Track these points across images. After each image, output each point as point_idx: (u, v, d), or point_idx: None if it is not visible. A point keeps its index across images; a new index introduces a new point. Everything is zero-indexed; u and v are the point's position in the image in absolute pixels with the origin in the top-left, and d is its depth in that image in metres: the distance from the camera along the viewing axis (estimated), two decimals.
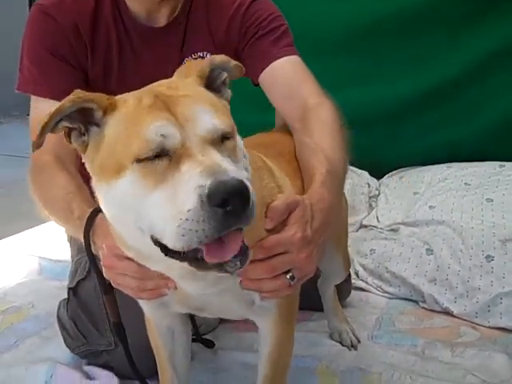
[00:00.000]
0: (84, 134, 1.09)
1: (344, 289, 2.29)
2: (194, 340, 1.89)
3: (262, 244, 1.16)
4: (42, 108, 1.64)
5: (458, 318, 2.21)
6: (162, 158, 0.98)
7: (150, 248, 1.04)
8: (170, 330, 1.48)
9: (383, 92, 3.18)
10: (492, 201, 2.50)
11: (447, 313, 2.24)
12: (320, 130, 1.56)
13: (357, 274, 2.53)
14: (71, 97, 1.06)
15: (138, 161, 0.98)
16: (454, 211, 2.52)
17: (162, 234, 0.99)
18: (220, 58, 1.19)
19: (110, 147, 1.04)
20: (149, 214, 0.99)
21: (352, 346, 2.00)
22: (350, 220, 2.85)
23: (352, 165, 3.13)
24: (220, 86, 1.19)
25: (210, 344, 1.89)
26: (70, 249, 2.12)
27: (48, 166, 1.58)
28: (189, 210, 0.92)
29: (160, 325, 1.47)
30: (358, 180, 3.12)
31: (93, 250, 1.37)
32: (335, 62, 3.13)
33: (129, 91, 1.12)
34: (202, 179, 0.92)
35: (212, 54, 1.79)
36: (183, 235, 0.94)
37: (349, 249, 2.52)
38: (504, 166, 2.84)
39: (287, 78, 1.75)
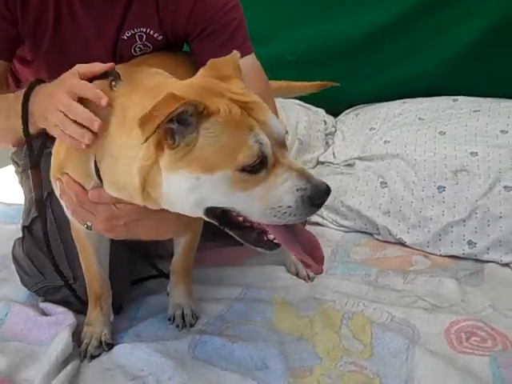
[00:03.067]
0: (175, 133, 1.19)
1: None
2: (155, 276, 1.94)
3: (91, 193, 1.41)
4: None
5: (410, 247, 2.27)
6: (261, 165, 1.17)
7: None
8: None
9: (338, 29, 3.12)
10: (445, 134, 2.52)
11: (400, 243, 2.30)
12: None
13: None
14: (181, 101, 1.13)
15: (241, 169, 1.15)
16: (407, 145, 2.54)
17: (250, 216, 1.22)
18: (238, 53, 1.39)
19: (207, 151, 1.17)
20: (237, 204, 1.20)
21: (308, 278, 2.04)
22: (307, 157, 2.89)
23: (308, 102, 3.15)
24: None
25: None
26: (22, 190, 2.10)
27: None
28: (289, 207, 1.16)
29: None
30: (314, 118, 3.12)
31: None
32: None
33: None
34: (301, 183, 1.17)
35: (156, 34, 1.77)
36: (276, 219, 1.19)
37: None
38: (457, 100, 2.86)
39: None
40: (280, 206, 1.16)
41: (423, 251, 2.24)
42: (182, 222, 1.46)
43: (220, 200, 1.20)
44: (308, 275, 2.04)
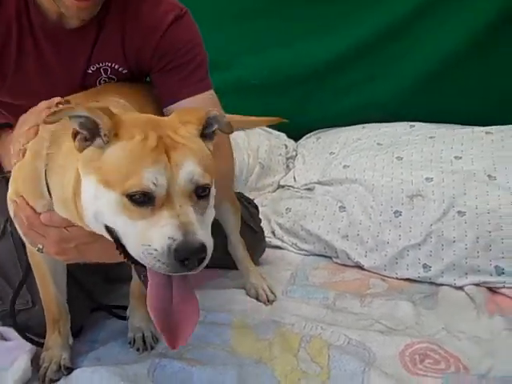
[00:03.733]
0: (88, 140, 1.23)
1: (257, 246, 2.36)
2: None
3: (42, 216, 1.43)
4: None
5: (368, 271, 2.32)
6: (148, 200, 1.15)
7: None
8: None
9: (299, 55, 3.20)
10: (402, 159, 2.59)
11: (358, 266, 2.34)
12: None
13: (273, 232, 2.59)
14: (86, 105, 1.24)
15: (127, 196, 1.15)
16: (366, 170, 2.60)
17: (126, 245, 1.22)
18: (215, 112, 1.34)
19: (108, 166, 1.20)
20: (120, 229, 1.20)
21: (268, 301, 2.07)
22: (268, 181, 2.94)
23: (270, 127, 3.20)
24: (210, 134, 1.33)
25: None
26: None
27: None
28: (156, 250, 1.13)
29: None
30: (275, 142, 3.18)
31: None
32: (254, 25, 3.15)
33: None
34: (176, 233, 1.12)
35: (121, 68, 1.79)
36: (144, 257, 1.16)
37: (265, 208, 2.62)
38: (414, 126, 2.95)
39: None
40: (149, 246, 1.14)
41: (380, 274, 2.29)
42: None
43: (110, 219, 1.21)
44: (268, 298, 2.07)
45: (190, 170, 1.18)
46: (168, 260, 1.12)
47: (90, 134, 1.22)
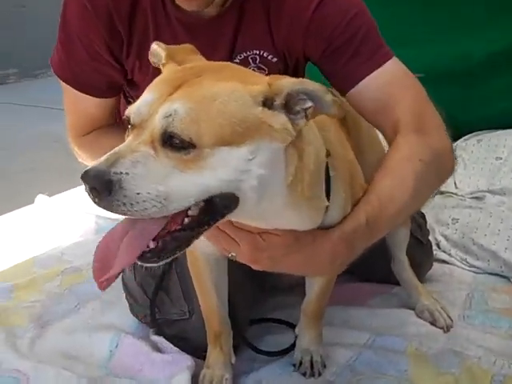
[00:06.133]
0: None
1: (424, 261, 2.11)
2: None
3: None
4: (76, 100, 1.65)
5: None
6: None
7: None
8: (215, 262, 1.48)
9: (460, 49, 2.93)
10: None
11: None
12: (394, 169, 1.36)
13: (438, 245, 2.33)
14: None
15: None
16: None
17: None
18: (314, 86, 1.05)
19: None
20: None
21: (446, 327, 1.81)
22: None
23: None
24: (297, 112, 1.06)
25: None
26: None
27: (90, 139, 1.67)
28: None
29: (207, 257, 1.47)
30: None
31: None
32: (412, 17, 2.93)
33: None
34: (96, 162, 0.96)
35: (271, 56, 1.57)
36: None
37: (427, 216, 2.34)
38: None
39: (375, 98, 1.49)
40: None
41: None
42: (338, 257, 1.27)
43: None
44: (446, 324, 1.81)
45: (171, 109, 0.98)
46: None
47: None
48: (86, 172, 0.94)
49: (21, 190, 3.33)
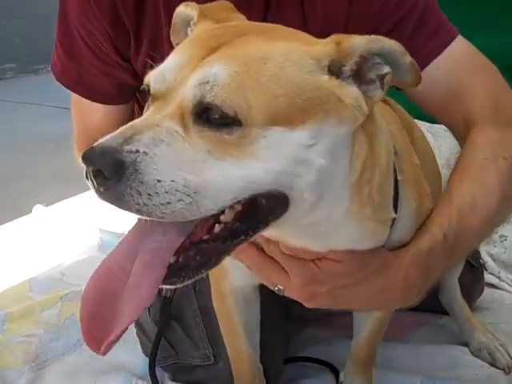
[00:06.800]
0: None
1: (475, 286, 1.87)
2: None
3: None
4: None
5: None
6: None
7: None
8: (246, 299, 1.26)
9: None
10: None
11: None
12: (474, 172, 1.13)
13: (484, 266, 2.07)
14: None
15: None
16: None
17: None
18: (391, 45, 0.82)
19: None
20: None
21: (508, 369, 1.58)
22: None
23: None
24: (371, 81, 0.83)
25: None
26: None
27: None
28: None
29: (238, 293, 1.23)
30: None
31: None
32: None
33: None
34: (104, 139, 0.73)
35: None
36: None
37: None
38: None
39: (443, 86, 1.24)
40: None
41: None
42: (414, 284, 1.02)
43: None
44: (508, 365, 1.57)
45: (210, 73, 0.75)
46: None
47: None
48: (92, 149, 0.72)
49: (16, 197, 3.08)
